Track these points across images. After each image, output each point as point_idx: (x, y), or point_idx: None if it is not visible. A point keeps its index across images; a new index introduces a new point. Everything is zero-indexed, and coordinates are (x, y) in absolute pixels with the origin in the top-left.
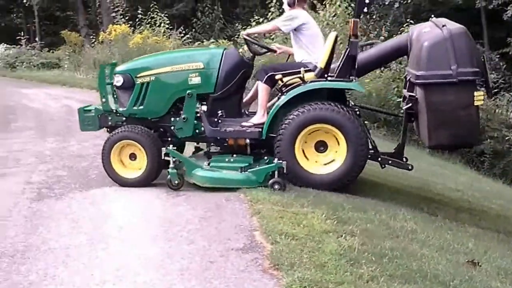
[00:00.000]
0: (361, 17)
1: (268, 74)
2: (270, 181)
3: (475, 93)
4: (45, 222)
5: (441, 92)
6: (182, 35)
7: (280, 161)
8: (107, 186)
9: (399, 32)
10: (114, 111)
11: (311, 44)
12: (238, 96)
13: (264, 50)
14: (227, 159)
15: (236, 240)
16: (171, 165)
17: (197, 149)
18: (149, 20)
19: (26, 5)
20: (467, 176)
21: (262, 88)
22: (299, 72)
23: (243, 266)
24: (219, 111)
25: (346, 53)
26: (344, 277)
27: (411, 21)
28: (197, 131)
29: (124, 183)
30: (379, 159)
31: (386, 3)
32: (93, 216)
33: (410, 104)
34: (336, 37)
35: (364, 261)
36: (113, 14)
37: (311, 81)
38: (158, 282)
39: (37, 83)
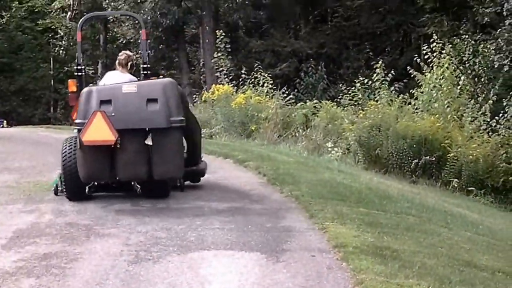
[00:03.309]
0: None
1: None
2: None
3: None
4: (142, 286)
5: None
6: (285, 95)
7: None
8: (206, 250)
9: (508, 96)
10: None
11: None
12: None
13: None
14: None
15: None
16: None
17: None
18: (253, 80)
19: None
20: None
21: None
22: None
23: None
24: None
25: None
26: None
27: None
28: None
29: None
30: None
31: (495, 66)
32: (190, 281)
33: None
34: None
35: None
36: (217, 74)
37: None
38: None
39: None
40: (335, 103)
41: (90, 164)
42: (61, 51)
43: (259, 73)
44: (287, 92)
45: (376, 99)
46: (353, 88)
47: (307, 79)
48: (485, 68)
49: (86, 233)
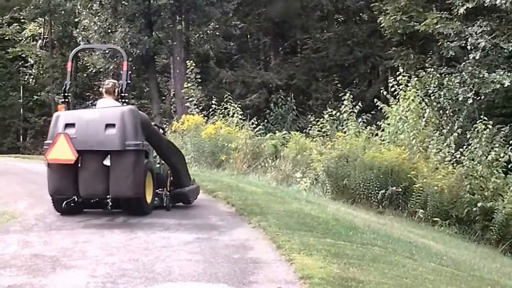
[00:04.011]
0: None
1: None
2: None
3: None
4: None
5: None
6: (255, 125)
7: None
8: (173, 281)
9: (472, 128)
10: None
11: None
12: None
13: None
14: None
15: None
16: None
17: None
18: (223, 110)
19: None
20: None
21: None
22: None
23: None
24: None
25: None
26: None
27: (484, 117)
28: None
29: None
30: None
31: (460, 98)
32: None
33: None
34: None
35: None
36: (187, 104)
37: None
38: None
39: None
40: (304, 134)
41: (56, 181)
42: (31, 80)
43: (229, 103)
44: (257, 122)
45: (344, 130)
46: (322, 119)
47: (276, 110)
48: (449, 101)
49: (52, 265)
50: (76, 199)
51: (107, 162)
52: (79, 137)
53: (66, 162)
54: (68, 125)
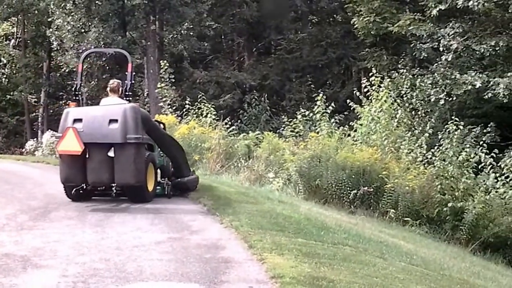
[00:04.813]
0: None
1: None
2: None
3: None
4: None
5: None
6: (228, 126)
7: None
8: (144, 281)
9: (443, 129)
10: None
11: None
12: None
13: None
14: None
15: None
16: None
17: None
18: (196, 110)
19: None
20: (509, 278)
21: None
22: None
23: None
24: None
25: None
26: None
27: (456, 118)
28: None
29: None
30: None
31: (432, 99)
32: None
33: None
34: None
35: None
36: (161, 104)
37: None
38: None
39: None
40: (277, 135)
41: (67, 170)
42: (3, 79)
43: (203, 103)
44: (230, 123)
45: (317, 131)
46: (295, 119)
47: (250, 111)
48: (422, 102)
49: (22, 265)
50: (84, 186)
51: (111, 153)
52: (86, 130)
53: (74, 153)
54: (76, 120)
